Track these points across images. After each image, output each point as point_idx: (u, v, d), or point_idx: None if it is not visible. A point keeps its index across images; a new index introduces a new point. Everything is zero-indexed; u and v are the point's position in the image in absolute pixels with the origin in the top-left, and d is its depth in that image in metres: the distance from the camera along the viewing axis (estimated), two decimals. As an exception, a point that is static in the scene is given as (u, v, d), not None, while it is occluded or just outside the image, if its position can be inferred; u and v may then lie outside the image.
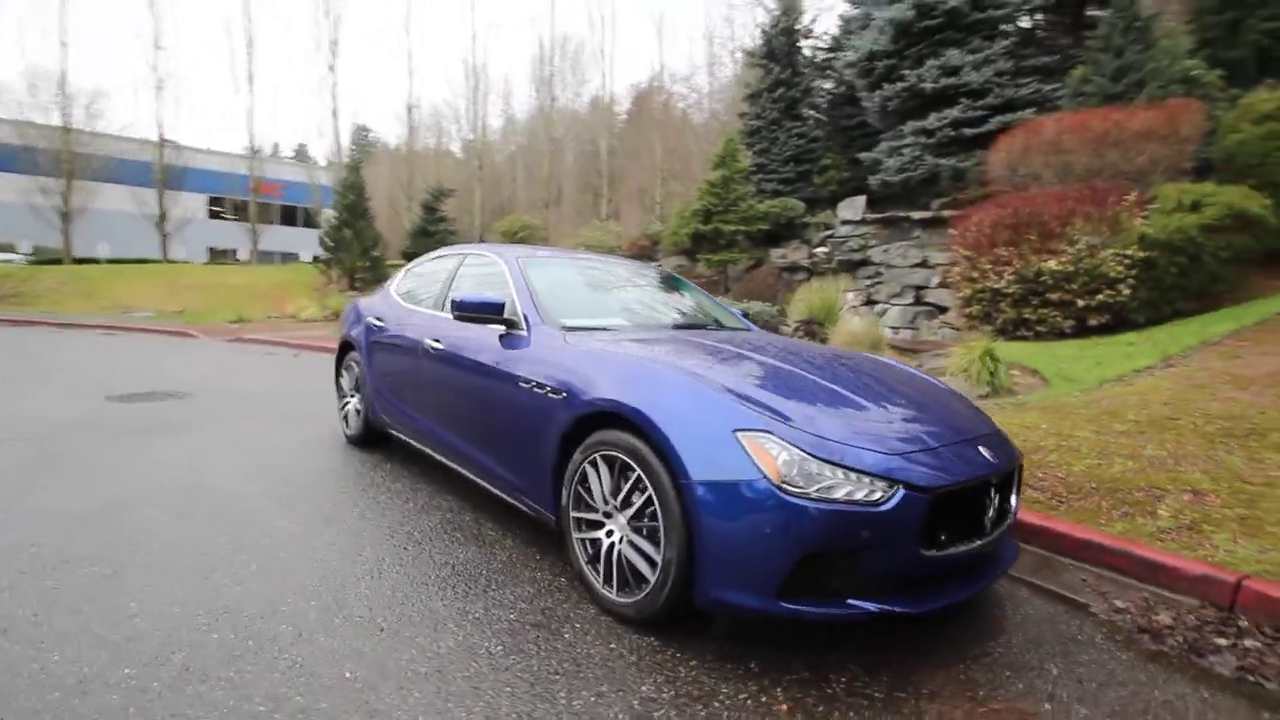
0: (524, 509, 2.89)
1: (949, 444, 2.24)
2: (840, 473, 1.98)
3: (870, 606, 1.98)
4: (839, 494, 1.95)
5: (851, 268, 15.69)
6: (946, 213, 17.02)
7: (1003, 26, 15.86)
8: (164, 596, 2.35)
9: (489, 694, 1.86)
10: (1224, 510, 3.19)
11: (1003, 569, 2.38)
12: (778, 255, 18.67)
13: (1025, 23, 15.94)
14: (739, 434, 2.03)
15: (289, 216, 39.50)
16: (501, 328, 3.14)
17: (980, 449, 2.30)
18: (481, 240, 29.90)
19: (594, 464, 2.42)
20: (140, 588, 2.41)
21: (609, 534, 2.39)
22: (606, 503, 2.39)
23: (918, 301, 13.89)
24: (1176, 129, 8.56)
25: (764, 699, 1.90)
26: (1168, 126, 8.59)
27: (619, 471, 2.33)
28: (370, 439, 4.51)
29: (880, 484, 1.98)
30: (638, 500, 2.26)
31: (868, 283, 14.80)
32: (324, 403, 6.23)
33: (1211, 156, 8.98)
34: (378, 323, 4.34)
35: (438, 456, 3.60)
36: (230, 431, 4.96)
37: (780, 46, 24.29)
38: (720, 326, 3.62)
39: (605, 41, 51.73)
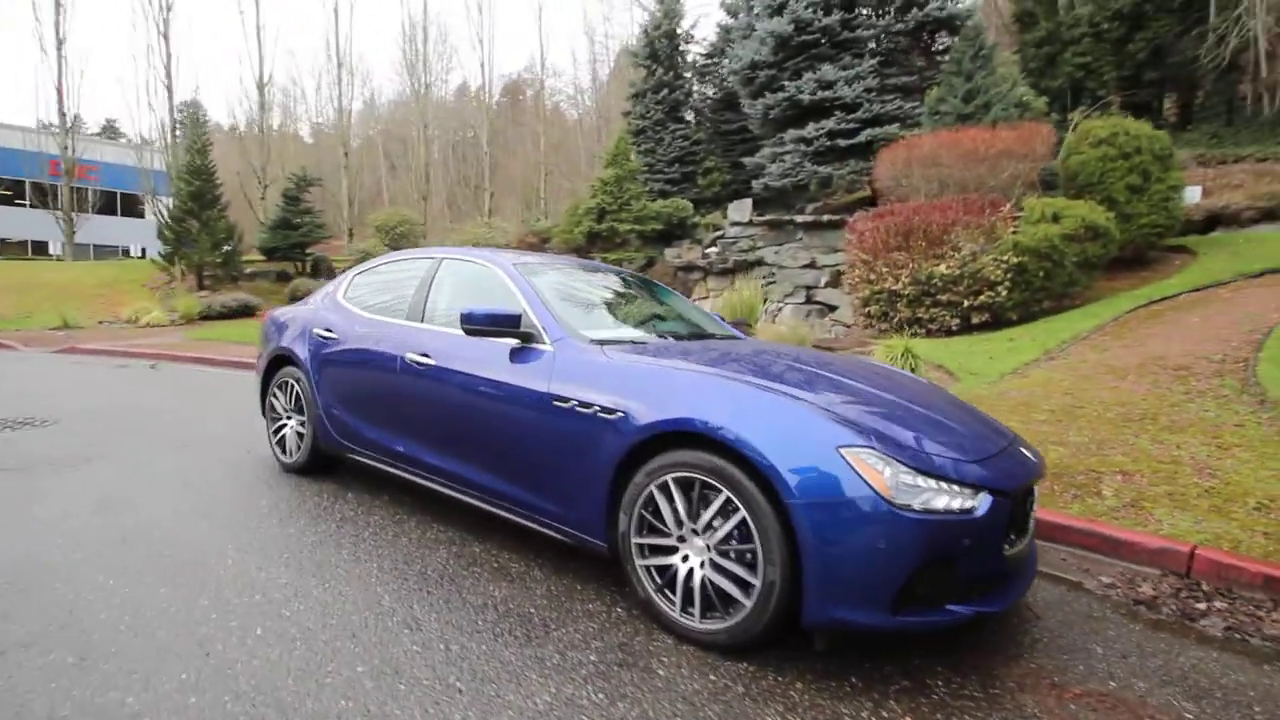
0: (559, 537, 2.71)
1: (1003, 448, 2.39)
2: (937, 483, 2.04)
3: (966, 610, 2.06)
4: (940, 504, 2.01)
5: (746, 268, 16.37)
6: (826, 216, 18.25)
7: (870, 46, 17.24)
8: (167, 683, 1.92)
9: (617, 750, 1.72)
10: (1153, 488, 3.69)
11: (1036, 561, 2.59)
12: (672, 255, 19.04)
13: (888, 44, 17.44)
14: (843, 450, 2.03)
15: (109, 204, 34.22)
16: (514, 341, 2.91)
17: (1023, 450, 2.48)
18: (350, 235, 27.73)
19: (664, 487, 2.32)
20: (126, 675, 1.96)
21: (684, 559, 2.30)
22: (681, 527, 2.30)
23: (809, 301, 14.78)
24: (1033, 148, 9.79)
25: (884, 713, 1.91)
26: (1025, 146, 9.80)
27: (698, 494, 2.24)
28: (316, 466, 4.02)
29: (970, 491, 2.07)
30: (724, 523, 2.19)
31: (762, 283, 15.50)
32: (220, 423, 5.50)
33: (1056, 173, 10.37)
34: (328, 335, 3.86)
35: (426, 484, 3.27)
36: (132, 464, 4.20)
37: (663, 49, 24.77)
38: (721, 334, 3.61)
39: (484, 29, 49.78)
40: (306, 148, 31.02)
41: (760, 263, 16.24)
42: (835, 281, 14.95)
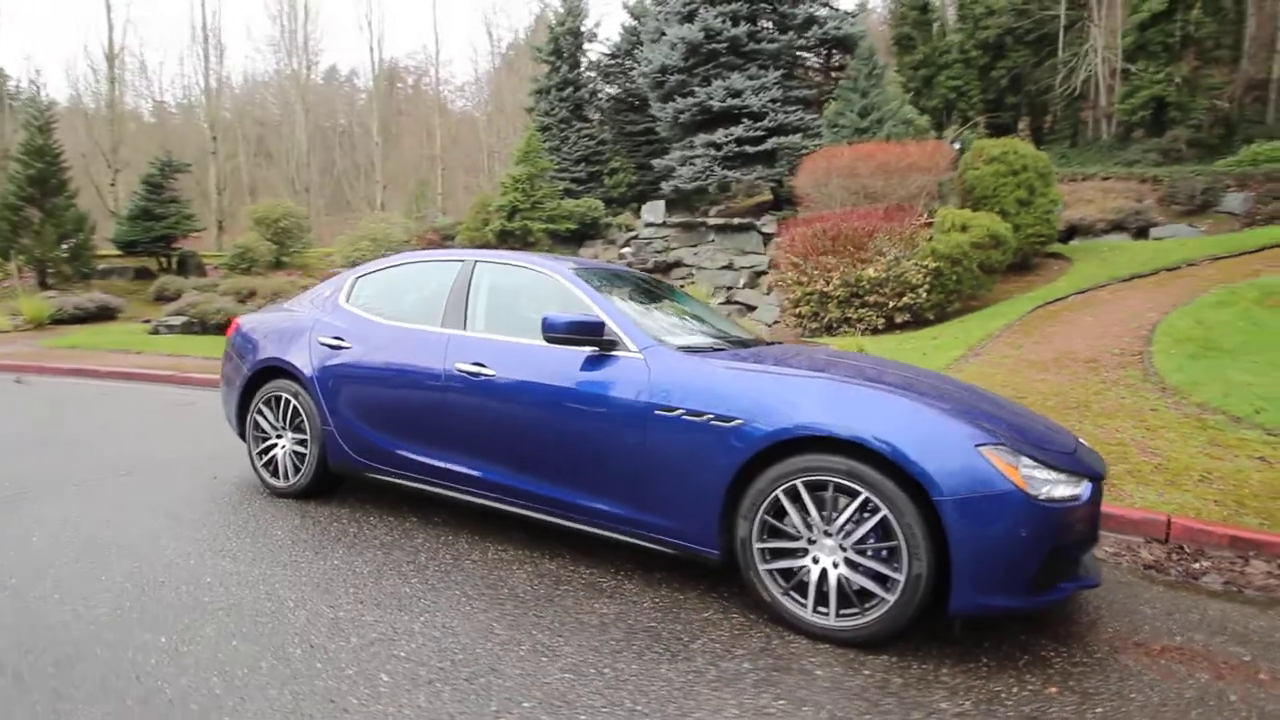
0: (657, 549, 2.67)
1: (1078, 441, 2.67)
2: (1054, 473, 2.25)
3: (1072, 587, 2.30)
4: (1059, 493, 2.22)
5: (666, 269, 16.66)
6: (736, 220, 18.96)
7: (775, 59, 18.11)
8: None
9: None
10: (1115, 467, 4.23)
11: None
12: (588, 255, 18.97)
13: (790, 58, 18.43)
14: (981, 448, 2.19)
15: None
16: (590, 350, 2.83)
17: (1084, 442, 2.78)
18: (220, 227, 25.09)
19: (792, 492, 2.37)
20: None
21: (815, 560, 2.36)
22: (811, 529, 2.36)
23: (729, 301, 15.29)
24: (936, 163, 10.79)
25: (1031, 687, 2.09)
26: (930, 161, 10.77)
27: (832, 495, 2.32)
28: (317, 489, 3.66)
29: (1076, 479, 2.30)
30: (861, 522, 2.28)
31: (681, 283, 15.85)
32: (155, 445, 4.91)
33: (951, 185, 11.48)
34: (339, 344, 3.53)
35: (480, 501, 3.09)
36: (88, 497, 3.62)
37: (567, 46, 24.60)
38: (754, 339, 3.69)
39: (371, 12, 46.44)
40: (164, 129, 27.38)
41: (679, 264, 16.61)
42: (753, 282, 15.61)
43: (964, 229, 9.33)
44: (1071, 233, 13.14)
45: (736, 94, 17.93)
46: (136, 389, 7.61)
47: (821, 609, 2.34)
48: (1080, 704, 2.02)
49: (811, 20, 17.76)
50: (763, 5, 18.08)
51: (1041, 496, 2.18)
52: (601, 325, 2.79)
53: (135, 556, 2.87)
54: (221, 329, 16.19)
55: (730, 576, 2.76)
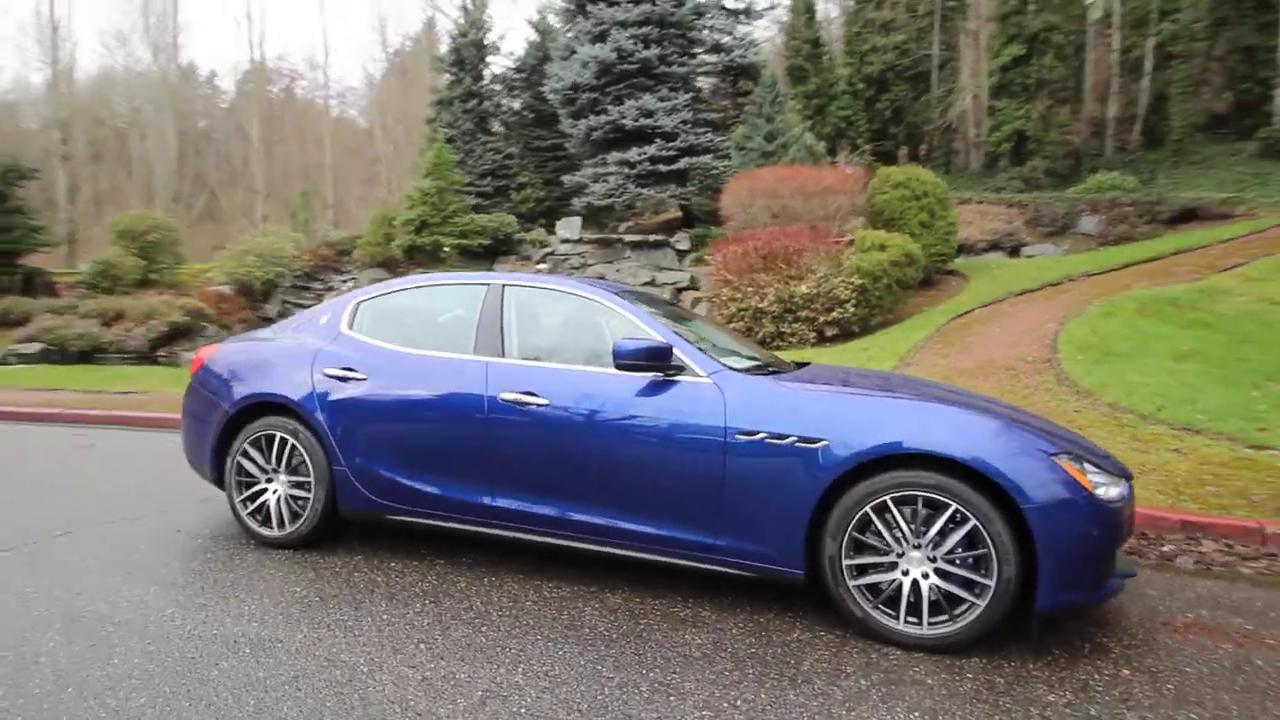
0: (736, 573, 2.68)
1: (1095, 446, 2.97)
2: (1107, 476, 2.50)
3: (1120, 579, 2.55)
4: (1114, 493, 2.47)
5: (587, 285, 16.60)
6: (652, 236, 19.31)
7: (685, 82, 18.72)
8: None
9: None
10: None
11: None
12: (505, 271, 18.54)
13: (699, 83, 19.14)
14: (1054, 458, 2.39)
15: None
16: (652, 376, 2.81)
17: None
18: (73, 240, 22.10)
19: (881, 508, 2.46)
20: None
21: (905, 573, 2.47)
22: (901, 543, 2.46)
23: (653, 316, 15.46)
24: (850, 187, 11.59)
25: (1107, 673, 2.30)
26: (845, 185, 11.56)
27: (921, 509, 2.43)
28: (318, 537, 3.32)
29: (1119, 480, 2.57)
30: (950, 533, 2.41)
31: (603, 299, 15.86)
32: (85, 496, 4.27)
33: (860, 208, 12.37)
34: (350, 375, 3.24)
35: (529, 537, 2.96)
36: (41, 562, 3.06)
37: (470, 57, 24.12)
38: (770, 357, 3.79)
39: (251, 5, 42.68)
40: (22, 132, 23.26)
41: (601, 279, 16.61)
42: (675, 299, 15.92)
43: (882, 248, 10.08)
44: (958, 251, 14.55)
45: (649, 114, 18.33)
46: (14, 431, 6.53)
47: (912, 619, 2.45)
48: (1154, 682, 2.25)
49: (718, 47, 18.54)
50: (671, 30, 18.66)
51: (1103, 498, 2.42)
52: (670, 350, 2.77)
53: (139, 632, 2.48)
54: (86, 356, 14.22)
55: (800, 595, 2.81)
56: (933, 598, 2.43)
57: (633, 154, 18.52)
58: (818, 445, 2.52)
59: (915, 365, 7.84)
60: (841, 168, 12.50)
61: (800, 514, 2.54)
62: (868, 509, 2.47)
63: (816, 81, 21.99)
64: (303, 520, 3.30)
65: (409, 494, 3.12)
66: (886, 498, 2.45)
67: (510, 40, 45.82)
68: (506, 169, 24.38)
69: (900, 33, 20.22)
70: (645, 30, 18.23)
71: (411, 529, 3.38)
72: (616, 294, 3.18)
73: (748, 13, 19.59)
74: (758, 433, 2.60)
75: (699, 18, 18.65)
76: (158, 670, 2.21)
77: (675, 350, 2.81)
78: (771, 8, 21.96)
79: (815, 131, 20.90)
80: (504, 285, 3.33)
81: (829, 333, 9.98)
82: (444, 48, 26.00)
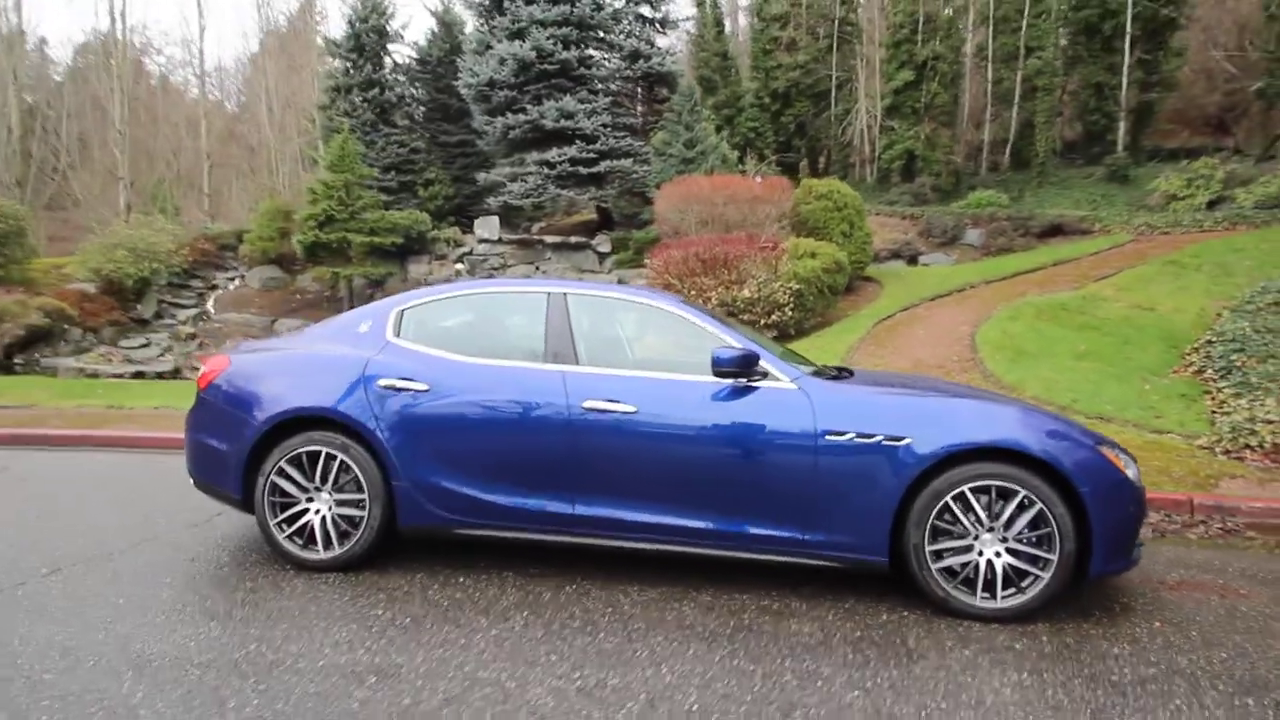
0: (824, 565, 2.88)
1: (1093, 435, 3.46)
2: (1130, 460, 2.94)
3: (1139, 550, 3.01)
4: (1133, 474, 2.91)
5: (513, 286, 16.27)
6: (573, 238, 19.28)
7: (604, 86, 18.84)
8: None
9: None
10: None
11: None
12: (421, 272, 17.81)
13: (618, 88, 19.32)
14: (1098, 448, 2.79)
15: None
16: (734, 382, 2.95)
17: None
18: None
19: (960, 497, 2.76)
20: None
21: (980, 554, 2.77)
22: (979, 527, 2.77)
23: (583, 318, 15.45)
24: (779, 196, 12.24)
25: (1146, 628, 2.72)
26: (774, 194, 12.20)
27: (995, 497, 2.75)
28: (369, 557, 3.16)
29: (1132, 462, 3.02)
30: (1019, 516, 2.74)
31: (529, 301, 15.66)
32: (31, 527, 3.79)
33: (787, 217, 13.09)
34: (412, 386, 3.10)
35: (613, 544, 3.00)
36: (48, 604, 2.69)
37: (371, 44, 22.84)
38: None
39: None
40: None
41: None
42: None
43: (814, 256, 10.76)
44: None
45: (569, 115, 18.29)
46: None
47: (985, 594, 2.76)
48: (1182, 631, 2.70)
49: (637, 54, 18.81)
50: (592, 33, 18.72)
51: (1131, 479, 2.85)
52: (758, 358, 2.92)
53: (236, 672, 2.27)
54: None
55: (866, 580, 3.06)
56: (1004, 574, 2.75)
57: (553, 154, 18.39)
58: (902, 443, 2.78)
59: (856, 365, 8.47)
60: (770, 178, 13.15)
61: (886, 507, 2.78)
62: (948, 499, 2.76)
63: (725, 93, 22.86)
64: (355, 540, 3.11)
65: (483, 507, 3.04)
66: (965, 488, 2.75)
67: (414, 29, 43.12)
68: (412, 163, 23.30)
69: (803, 53, 21.49)
70: (565, 31, 18.17)
71: (451, 542, 3.32)
72: (680, 301, 3.28)
73: (663, 22, 20.03)
74: (846, 433, 2.81)
75: (617, 23, 18.84)
76: (292, 711, 2.06)
77: (761, 358, 2.97)
78: (686, 19, 22.64)
79: (726, 142, 21.78)
80: (565, 293, 3.32)
81: (768, 335, 10.51)
82: (339, 31, 24.40)
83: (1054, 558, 2.72)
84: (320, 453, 3.13)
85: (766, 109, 22.26)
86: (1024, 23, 17.91)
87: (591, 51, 19.11)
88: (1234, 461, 5.00)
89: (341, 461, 3.12)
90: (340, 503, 3.15)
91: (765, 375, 2.96)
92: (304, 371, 3.25)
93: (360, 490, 3.12)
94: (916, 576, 2.80)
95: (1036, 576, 2.74)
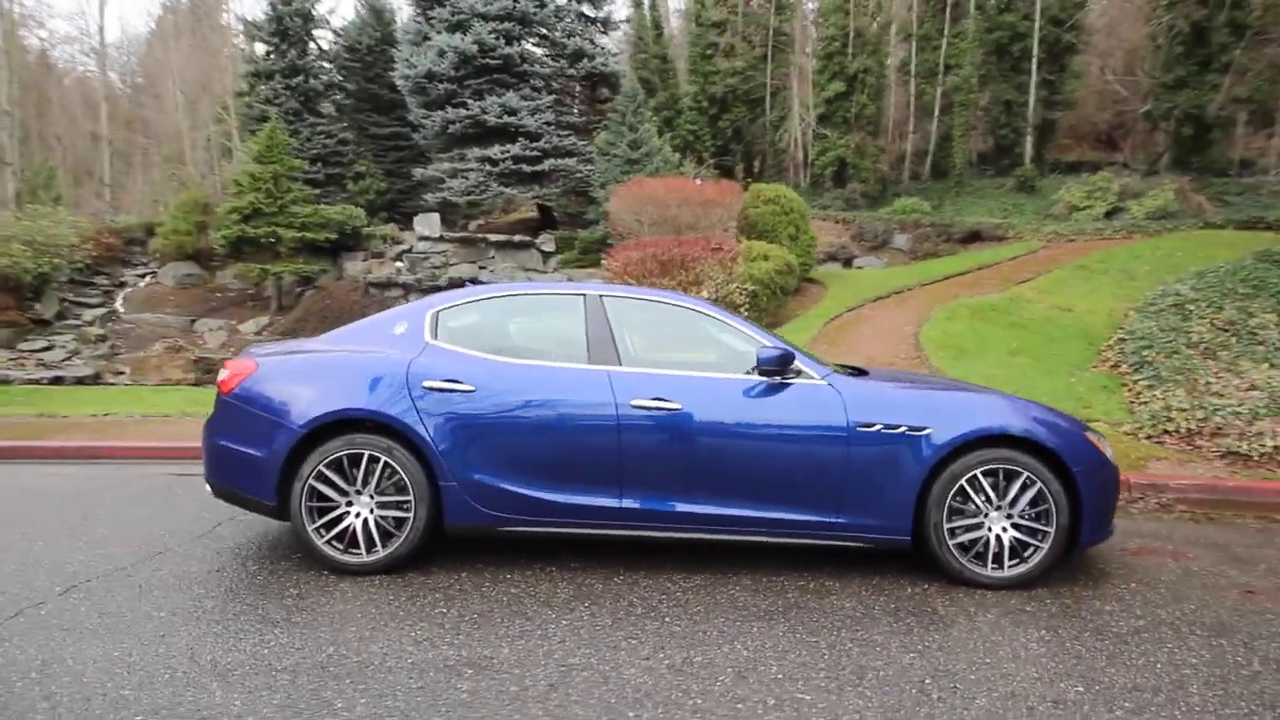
0: (854, 545, 3.16)
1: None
2: (1105, 443, 3.38)
3: (1112, 525, 3.46)
4: (1109, 454, 3.35)
5: (459, 286, 15.93)
6: (517, 237, 19.11)
7: (547, 84, 18.74)
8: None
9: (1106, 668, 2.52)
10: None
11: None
12: (359, 269, 17.16)
13: (561, 85, 19.25)
14: (1084, 433, 3.20)
15: None
16: (768, 379, 3.18)
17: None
18: None
19: (973, 480, 3.09)
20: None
21: (989, 529, 3.12)
22: (989, 505, 3.11)
23: (533, 317, 15.38)
24: (729, 200, 12.66)
25: (1123, 588, 3.14)
26: (725, 198, 12.60)
27: (1002, 478, 3.10)
28: (412, 558, 3.18)
29: (1107, 445, 3.47)
30: (1022, 495, 3.10)
31: (476, 300, 15.43)
32: (46, 540, 3.60)
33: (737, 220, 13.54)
34: (458, 387, 3.14)
35: (658, 535, 3.17)
36: (118, 606, 2.58)
37: (295, 28, 21.76)
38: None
39: None
40: None
41: (474, 280, 16.08)
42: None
43: (766, 258, 11.22)
44: (803, 260, 16.46)
45: (512, 112, 18.12)
46: None
47: (995, 565, 3.11)
48: (1153, 589, 3.14)
49: (581, 53, 18.84)
50: (535, 29, 18.60)
51: (1110, 460, 3.29)
52: (794, 356, 3.16)
53: (327, 674, 2.28)
54: None
55: (880, 556, 3.36)
56: (1010, 547, 3.11)
57: (496, 151, 18.16)
58: (923, 433, 3.09)
59: (812, 362, 8.93)
60: (722, 182, 13.55)
61: (910, 490, 3.08)
62: (963, 481, 3.09)
63: (664, 95, 23.24)
64: (400, 541, 3.13)
65: (532, 504, 3.13)
66: (978, 471, 3.09)
67: (342, 14, 41.05)
68: (340, 155, 22.35)
69: (740, 59, 22.14)
70: (507, 26, 17.97)
71: (482, 542, 3.41)
72: (708, 303, 3.48)
73: (605, 23, 20.15)
74: (875, 425, 3.10)
75: (559, 20, 18.79)
76: (404, 706, 2.10)
77: (795, 356, 3.21)
78: (624, 20, 22.82)
79: (669, 144, 22.14)
80: (601, 295, 3.44)
81: (724, 334, 10.88)
82: (259, 12, 23.04)
83: (1051, 530, 3.10)
84: (362, 455, 3.12)
85: (705, 113, 22.77)
86: (944, 41, 19.23)
87: (534, 48, 18.99)
88: (1156, 445, 5.71)
89: (385, 464, 3.12)
90: (382, 505, 3.15)
91: (799, 373, 3.20)
92: (342, 373, 3.22)
93: (403, 492, 3.13)
94: (936, 552, 3.12)
95: (1036, 547, 3.11)
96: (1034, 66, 18.23)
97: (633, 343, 3.36)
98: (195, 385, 10.21)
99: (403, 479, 3.12)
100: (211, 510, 4.08)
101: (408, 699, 2.14)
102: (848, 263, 16.89)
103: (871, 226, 17.40)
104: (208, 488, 3.41)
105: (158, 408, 7.41)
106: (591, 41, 19.19)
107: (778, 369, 3.11)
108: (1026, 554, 3.12)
